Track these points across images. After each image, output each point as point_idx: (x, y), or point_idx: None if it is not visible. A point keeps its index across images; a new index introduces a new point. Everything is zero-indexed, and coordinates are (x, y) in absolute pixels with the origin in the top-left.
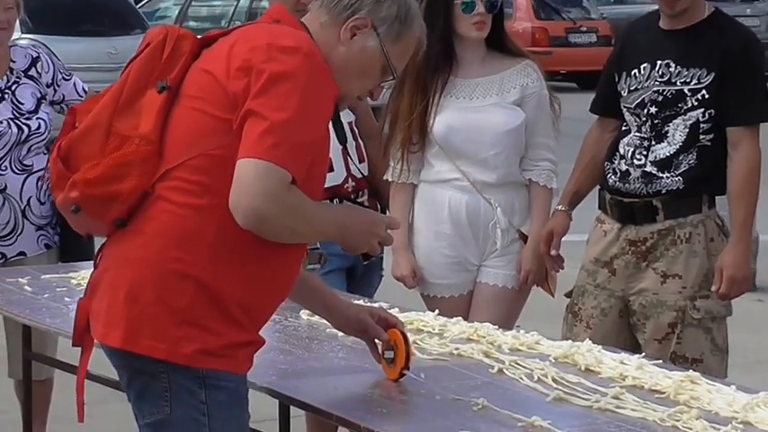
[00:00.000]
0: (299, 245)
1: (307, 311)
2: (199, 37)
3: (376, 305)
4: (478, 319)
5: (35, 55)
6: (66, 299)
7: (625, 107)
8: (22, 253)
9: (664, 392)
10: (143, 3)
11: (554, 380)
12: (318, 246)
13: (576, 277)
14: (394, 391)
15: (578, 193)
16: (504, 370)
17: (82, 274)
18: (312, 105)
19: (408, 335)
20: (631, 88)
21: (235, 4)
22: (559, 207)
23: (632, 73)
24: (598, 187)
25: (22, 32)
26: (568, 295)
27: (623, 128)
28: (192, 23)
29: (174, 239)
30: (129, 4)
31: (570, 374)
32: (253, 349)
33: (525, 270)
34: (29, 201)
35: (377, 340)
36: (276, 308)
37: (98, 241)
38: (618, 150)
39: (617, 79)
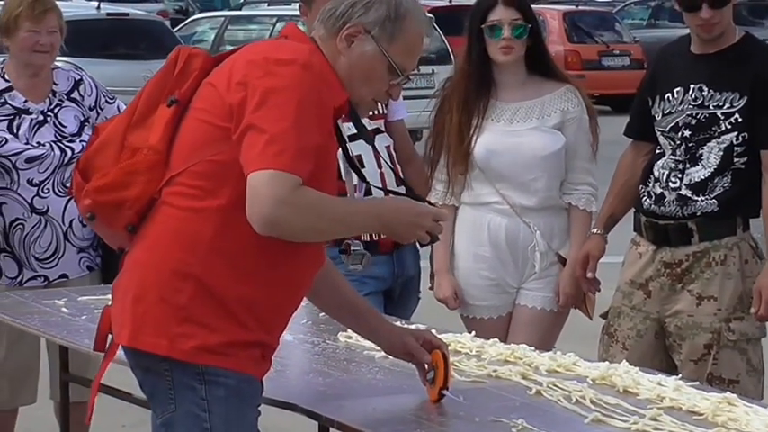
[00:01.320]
0: (311, 248)
1: (344, 334)
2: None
3: (412, 326)
4: (517, 341)
5: (78, 78)
6: None
7: (659, 131)
8: (64, 275)
9: (701, 414)
10: (180, 27)
11: (592, 401)
12: (361, 246)
13: (612, 299)
14: (433, 412)
15: (613, 216)
16: (542, 392)
17: None
18: (309, 113)
19: (449, 356)
20: (665, 112)
21: (271, 28)
22: (595, 230)
23: (666, 97)
24: (633, 210)
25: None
26: (604, 316)
27: (657, 151)
28: (228, 48)
29: (175, 241)
30: (165, 27)
31: (608, 396)
32: (260, 351)
33: (563, 293)
34: (71, 223)
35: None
36: (289, 311)
37: None
38: (652, 173)
39: (651, 103)
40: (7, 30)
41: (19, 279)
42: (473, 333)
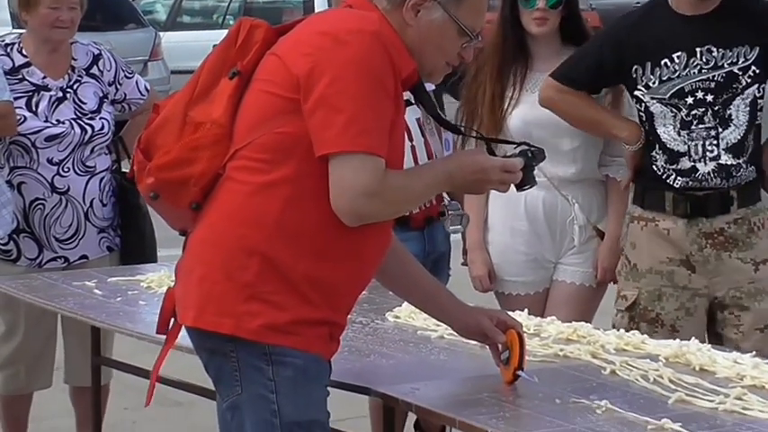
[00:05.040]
0: (379, 225)
1: (391, 313)
2: (275, 27)
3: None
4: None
5: (96, 52)
6: (141, 302)
7: (654, 98)
8: (84, 256)
9: None
10: None
11: (671, 381)
12: (459, 207)
13: (639, 283)
14: (511, 394)
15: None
16: (617, 371)
17: (149, 276)
18: (383, 84)
19: (524, 335)
20: (663, 78)
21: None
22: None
23: (662, 63)
24: (641, 188)
25: (13, 27)
26: (630, 309)
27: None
28: (185, 18)
29: (240, 217)
30: None
31: (686, 375)
32: (328, 329)
33: (602, 267)
34: (91, 203)
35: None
36: (357, 289)
37: (160, 243)
38: (667, 149)
39: (641, 71)
40: (27, 4)
41: (38, 261)
42: (525, 311)
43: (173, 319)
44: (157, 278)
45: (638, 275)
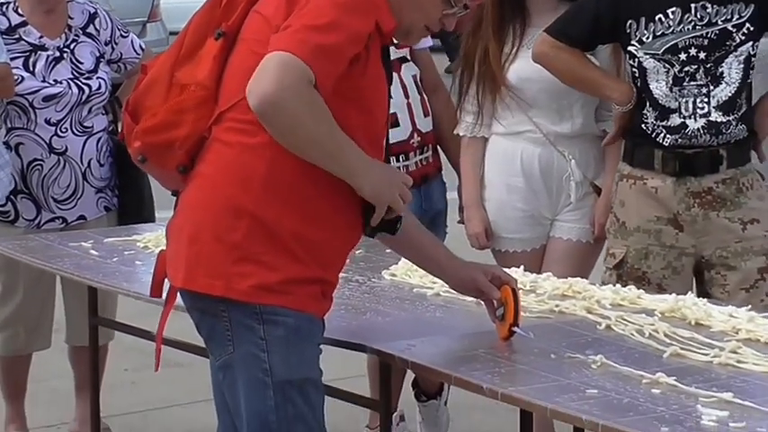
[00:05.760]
0: None
1: (388, 271)
2: None
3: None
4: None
5: (92, 11)
6: (137, 262)
7: (648, 54)
8: (82, 217)
9: None
10: None
11: (666, 335)
12: None
13: (627, 241)
14: (506, 350)
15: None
16: (612, 326)
17: (146, 236)
18: (347, 21)
19: (519, 291)
20: (657, 33)
21: None
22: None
23: (656, 18)
24: (631, 145)
25: None
26: (618, 267)
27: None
28: None
29: (227, 178)
30: None
31: (681, 329)
32: (320, 288)
33: (599, 223)
34: (89, 163)
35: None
36: (347, 247)
37: (158, 204)
38: (659, 105)
39: (635, 26)
40: None
41: (37, 221)
42: (521, 267)
43: (167, 281)
44: (154, 238)
45: (626, 233)
